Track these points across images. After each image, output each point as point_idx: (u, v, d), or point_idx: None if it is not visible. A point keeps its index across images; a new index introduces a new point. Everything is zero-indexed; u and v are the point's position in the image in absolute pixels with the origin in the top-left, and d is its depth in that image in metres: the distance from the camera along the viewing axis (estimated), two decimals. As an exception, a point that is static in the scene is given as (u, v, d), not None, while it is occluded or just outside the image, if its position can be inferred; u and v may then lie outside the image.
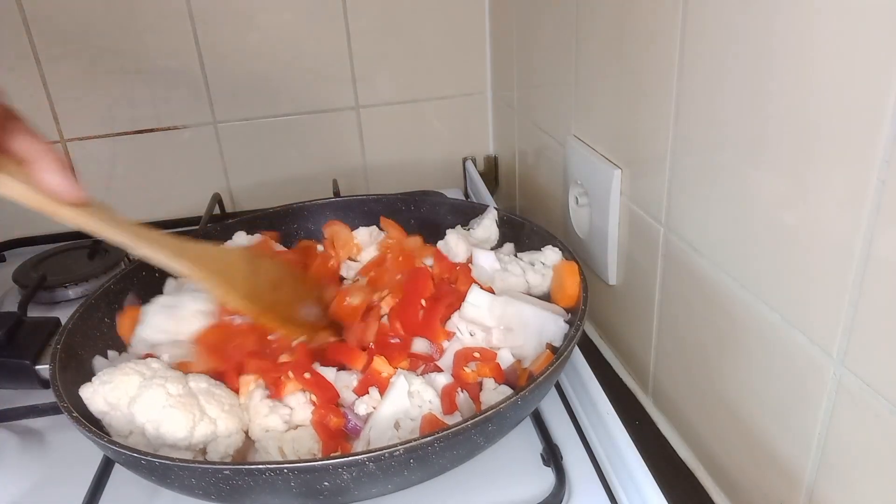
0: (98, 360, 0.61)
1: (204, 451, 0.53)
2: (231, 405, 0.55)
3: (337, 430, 0.55)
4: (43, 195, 0.43)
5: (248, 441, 0.55)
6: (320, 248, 0.79)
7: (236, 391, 0.57)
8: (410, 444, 0.45)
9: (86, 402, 0.54)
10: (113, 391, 0.53)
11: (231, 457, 0.54)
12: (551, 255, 0.69)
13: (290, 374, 0.56)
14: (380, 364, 0.57)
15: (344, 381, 0.58)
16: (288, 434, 0.55)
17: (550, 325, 0.62)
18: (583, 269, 0.65)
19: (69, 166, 0.44)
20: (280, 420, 0.55)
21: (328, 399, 0.56)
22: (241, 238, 0.78)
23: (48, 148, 0.44)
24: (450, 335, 0.61)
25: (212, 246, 0.62)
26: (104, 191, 1.08)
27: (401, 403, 0.54)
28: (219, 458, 0.53)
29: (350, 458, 0.45)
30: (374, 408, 0.55)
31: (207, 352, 0.59)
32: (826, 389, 0.44)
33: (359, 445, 0.54)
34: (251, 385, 0.57)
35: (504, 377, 0.59)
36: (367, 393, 0.57)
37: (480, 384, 0.58)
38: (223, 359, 0.59)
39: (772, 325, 0.48)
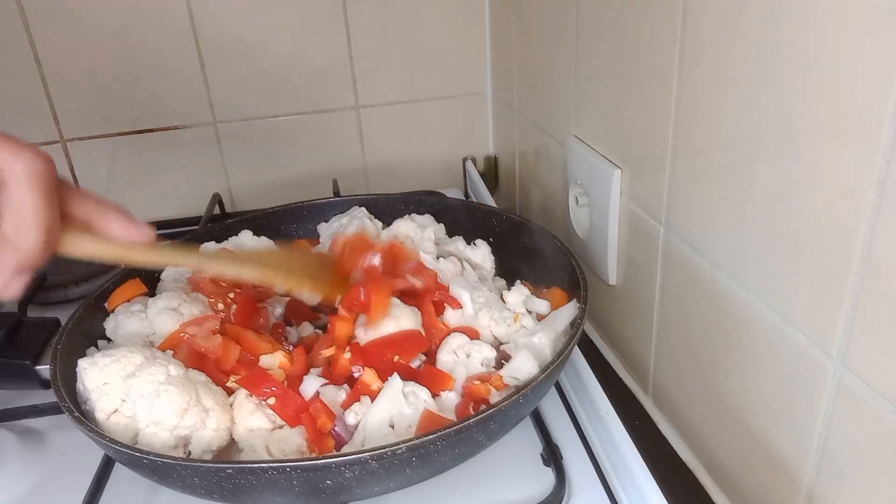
0: (91, 352, 0.61)
1: (186, 444, 0.53)
2: (225, 403, 0.56)
3: (324, 429, 0.55)
4: (114, 244, 0.47)
5: (230, 442, 0.55)
6: (316, 248, 0.80)
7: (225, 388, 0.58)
8: (413, 442, 0.45)
9: (80, 372, 0.54)
10: (112, 364, 0.53)
11: (213, 453, 0.54)
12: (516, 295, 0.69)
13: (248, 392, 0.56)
14: (369, 377, 0.57)
15: (331, 396, 0.57)
16: (274, 433, 0.55)
17: (560, 342, 0.63)
18: (583, 269, 0.65)
19: (128, 212, 0.48)
20: (265, 419, 0.55)
21: (294, 411, 0.55)
22: (246, 237, 0.79)
23: (106, 201, 0.47)
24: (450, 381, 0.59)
25: (260, 250, 0.72)
26: (104, 191, 1.08)
27: (395, 403, 0.54)
28: (201, 452, 0.53)
29: (353, 457, 0.45)
30: (365, 413, 0.55)
31: (186, 360, 0.59)
32: (826, 389, 0.44)
33: (352, 445, 0.54)
34: (234, 384, 0.58)
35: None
36: (359, 401, 0.56)
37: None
38: (202, 367, 0.59)
39: (772, 325, 0.48)
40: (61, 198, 0.43)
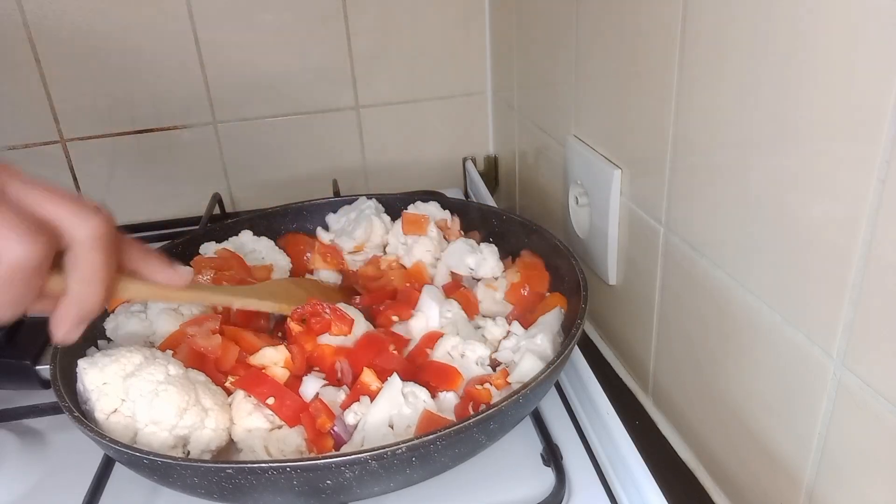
0: (91, 352, 0.61)
1: (184, 444, 0.53)
2: (224, 403, 0.56)
3: (323, 429, 0.55)
4: (157, 287, 0.53)
5: (229, 442, 0.55)
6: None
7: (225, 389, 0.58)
8: (413, 442, 0.45)
9: (80, 372, 0.54)
10: (112, 364, 0.54)
11: (211, 453, 0.54)
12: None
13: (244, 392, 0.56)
14: (368, 377, 0.57)
15: (330, 396, 0.57)
16: (273, 433, 0.55)
17: (557, 341, 0.63)
18: (583, 269, 0.65)
19: (166, 257, 0.53)
20: (264, 419, 0.55)
21: (293, 411, 0.55)
22: (246, 237, 0.79)
23: (149, 249, 0.52)
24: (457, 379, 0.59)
25: (276, 282, 0.73)
26: (104, 191, 1.08)
27: (395, 403, 0.54)
28: (200, 452, 0.53)
29: (353, 457, 0.45)
30: (364, 413, 0.55)
31: (186, 360, 0.59)
32: (826, 389, 0.44)
33: (351, 445, 0.54)
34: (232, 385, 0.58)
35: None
36: (358, 401, 0.56)
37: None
38: (202, 367, 0.59)
39: (772, 325, 0.48)
40: (118, 248, 0.47)
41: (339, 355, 0.60)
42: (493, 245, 0.75)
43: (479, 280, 0.73)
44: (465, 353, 0.60)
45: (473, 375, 0.59)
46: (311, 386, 0.58)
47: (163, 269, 0.52)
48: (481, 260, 0.72)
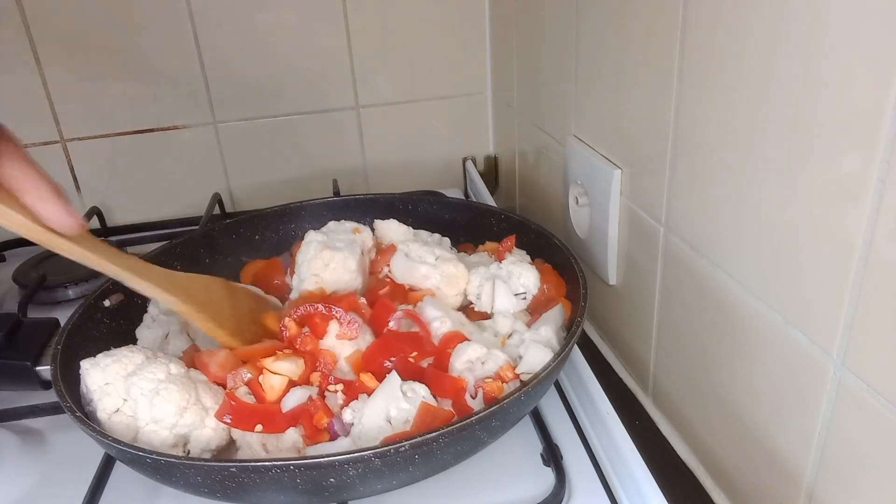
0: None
1: (185, 442, 0.54)
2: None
3: (319, 425, 0.55)
4: (40, 226, 0.43)
5: (230, 440, 0.56)
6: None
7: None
8: (416, 439, 0.46)
9: (83, 373, 0.54)
10: (114, 364, 0.54)
11: (212, 452, 0.54)
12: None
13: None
14: (367, 379, 0.57)
15: (330, 401, 0.57)
16: None
17: (560, 335, 0.63)
18: (583, 269, 0.65)
19: (64, 194, 0.43)
20: None
21: (285, 424, 0.55)
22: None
23: (41, 175, 0.42)
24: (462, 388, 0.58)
25: (198, 276, 0.65)
26: (104, 191, 1.08)
27: (393, 398, 0.54)
28: (200, 451, 0.53)
29: (356, 455, 0.45)
30: (361, 407, 0.55)
31: (189, 363, 0.60)
32: (826, 389, 0.44)
33: (348, 439, 0.54)
34: (231, 382, 0.58)
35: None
36: (356, 398, 0.56)
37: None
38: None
39: (772, 325, 0.49)
40: None
41: (351, 360, 0.60)
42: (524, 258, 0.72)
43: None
44: (486, 361, 0.59)
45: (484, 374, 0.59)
46: (293, 399, 0.56)
47: (52, 206, 0.42)
48: (519, 275, 0.68)
